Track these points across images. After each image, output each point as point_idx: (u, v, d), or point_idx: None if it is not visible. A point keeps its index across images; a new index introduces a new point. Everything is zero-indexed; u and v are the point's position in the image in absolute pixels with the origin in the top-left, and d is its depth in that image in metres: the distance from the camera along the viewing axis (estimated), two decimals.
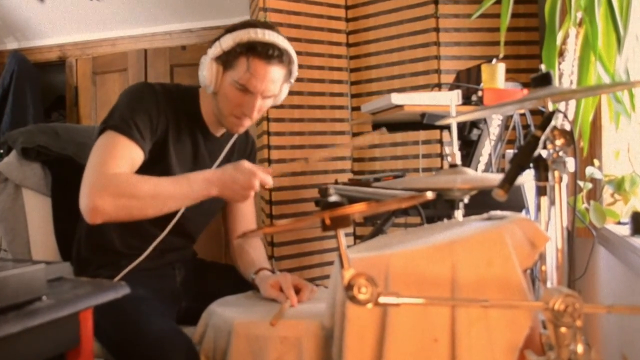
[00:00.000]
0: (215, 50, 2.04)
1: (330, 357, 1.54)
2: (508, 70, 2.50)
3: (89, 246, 2.12)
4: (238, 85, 2.01)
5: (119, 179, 1.87)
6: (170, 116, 2.07)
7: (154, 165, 2.03)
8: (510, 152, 2.55)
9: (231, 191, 1.92)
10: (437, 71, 3.46)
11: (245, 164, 1.91)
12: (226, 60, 2.03)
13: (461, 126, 2.47)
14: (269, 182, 1.93)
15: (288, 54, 2.06)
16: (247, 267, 2.21)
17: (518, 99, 1.52)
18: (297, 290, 1.93)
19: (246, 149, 2.35)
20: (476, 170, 2.47)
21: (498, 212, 1.72)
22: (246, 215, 2.31)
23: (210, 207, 2.17)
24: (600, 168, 2.63)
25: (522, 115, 2.55)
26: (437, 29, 3.46)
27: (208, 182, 1.92)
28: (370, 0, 3.76)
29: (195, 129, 2.15)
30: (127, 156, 1.93)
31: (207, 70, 2.04)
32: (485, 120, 2.43)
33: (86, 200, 1.85)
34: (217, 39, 2.06)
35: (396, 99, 2.37)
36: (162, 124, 2.04)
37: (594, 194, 2.66)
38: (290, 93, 3.58)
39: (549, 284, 1.41)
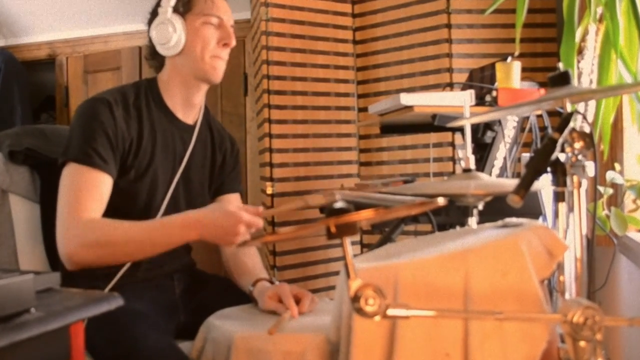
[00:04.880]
0: (167, 6, 2.13)
1: None
2: (524, 69, 2.50)
3: None
4: (209, 19, 2.14)
5: (91, 227, 1.94)
6: (133, 120, 2.10)
7: (141, 175, 2.10)
8: (526, 156, 2.55)
9: (213, 236, 1.94)
10: (449, 70, 3.46)
11: (230, 206, 1.92)
12: (184, 4, 2.15)
13: (474, 128, 2.47)
14: (259, 224, 1.92)
15: None
16: (243, 277, 2.22)
17: (535, 99, 1.53)
18: (297, 300, 1.94)
19: (223, 143, 2.38)
20: (490, 175, 2.47)
21: (513, 220, 1.72)
22: None
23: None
24: (621, 172, 2.64)
25: (539, 116, 2.55)
26: (449, 25, 3.46)
27: (187, 227, 1.94)
28: None
29: (164, 119, 2.18)
30: (95, 191, 1.98)
31: (170, 28, 2.12)
32: (500, 121, 2.43)
33: (62, 249, 1.95)
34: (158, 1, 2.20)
35: (406, 99, 2.37)
36: (124, 135, 2.06)
37: (615, 200, 2.66)
38: (294, 93, 3.63)
39: (567, 296, 1.42)
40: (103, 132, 2.00)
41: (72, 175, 1.98)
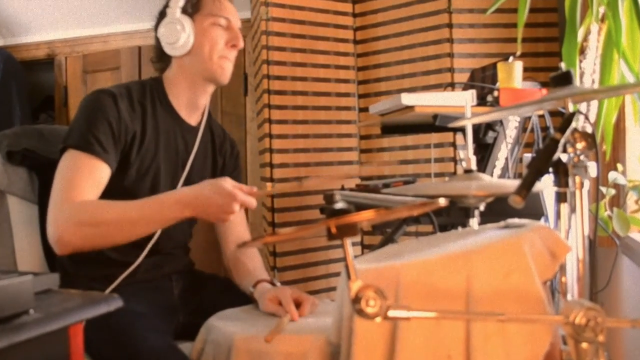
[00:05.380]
0: (176, 6, 2.14)
1: None
2: (526, 69, 2.50)
3: (78, 258, 2.07)
4: (217, 19, 2.16)
5: (83, 207, 1.92)
6: (137, 116, 2.11)
7: (144, 173, 2.11)
8: (528, 156, 2.55)
9: (207, 214, 1.92)
10: (450, 70, 3.46)
11: (225, 184, 1.90)
12: (193, 5, 2.16)
13: (476, 128, 2.46)
14: (252, 204, 1.92)
15: None
16: (243, 278, 2.22)
17: (536, 99, 1.53)
18: (298, 304, 1.94)
19: (224, 145, 2.39)
20: (492, 175, 2.47)
21: (515, 220, 1.72)
22: (236, 221, 2.31)
23: None
24: (623, 173, 2.63)
25: (541, 116, 2.54)
26: (450, 25, 3.46)
27: (181, 203, 1.92)
28: None
29: (168, 118, 2.19)
30: (91, 177, 1.97)
31: (179, 27, 2.13)
32: (501, 122, 2.43)
33: (51, 232, 1.91)
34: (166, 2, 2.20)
35: (407, 99, 2.36)
36: (128, 128, 2.06)
37: (617, 201, 2.66)
38: (294, 93, 3.63)
39: (569, 297, 1.41)
40: (106, 122, 2.00)
41: (70, 161, 1.98)
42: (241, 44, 2.19)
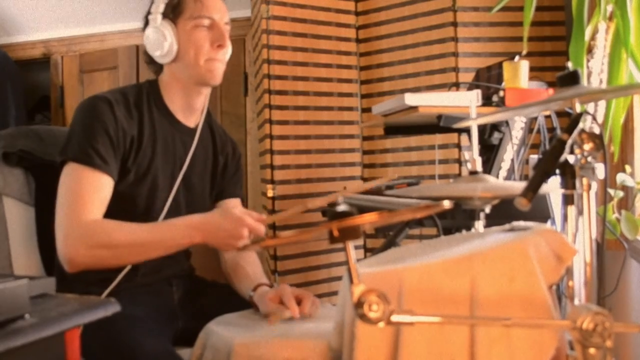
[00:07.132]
0: (157, 12, 2.14)
1: None
2: (532, 69, 2.50)
3: None
4: (200, 21, 2.12)
5: (93, 228, 1.95)
6: (134, 120, 2.12)
7: (141, 178, 2.11)
8: (534, 158, 2.55)
9: (217, 239, 1.97)
10: (455, 69, 3.45)
11: (234, 210, 1.96)
12: (173, 9, 2.14)
13: (481, 129, 2.46)
14: (261, 231, 1.95)
15: None
16: (242, 283, 2.22)
17: (543, 99, 1.52)
18: (298, 302, 1.96)
19: (225, 147, 2.39)
20: (497, 177, 2.47)
21: (521, 223, 1.72)
22: None
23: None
24: (632, 175, 2.63)
25: (547, 117, 2.54)
26: (454, 24, 3.46)
27: (191, 229, 1.97)
28: None
29: (164, 122, 2.19)
30: (96, 192, 1.99)
31: (161, 36, 2.13)
32: (507, 122, 2.43)
33: (62, 251, 1.95)
34: (150, 5, 2.19)
35: (410, 99, 2.37)
36: (126, 134, 2.07)
37: (626, 203, 2.66)
38: (295, 93, 3.63)
39: (576, 301, 1.41)
40: (104, 132, 2.01)
41: (72, 176, 1.99)
42: (227, 43, 2.16)
